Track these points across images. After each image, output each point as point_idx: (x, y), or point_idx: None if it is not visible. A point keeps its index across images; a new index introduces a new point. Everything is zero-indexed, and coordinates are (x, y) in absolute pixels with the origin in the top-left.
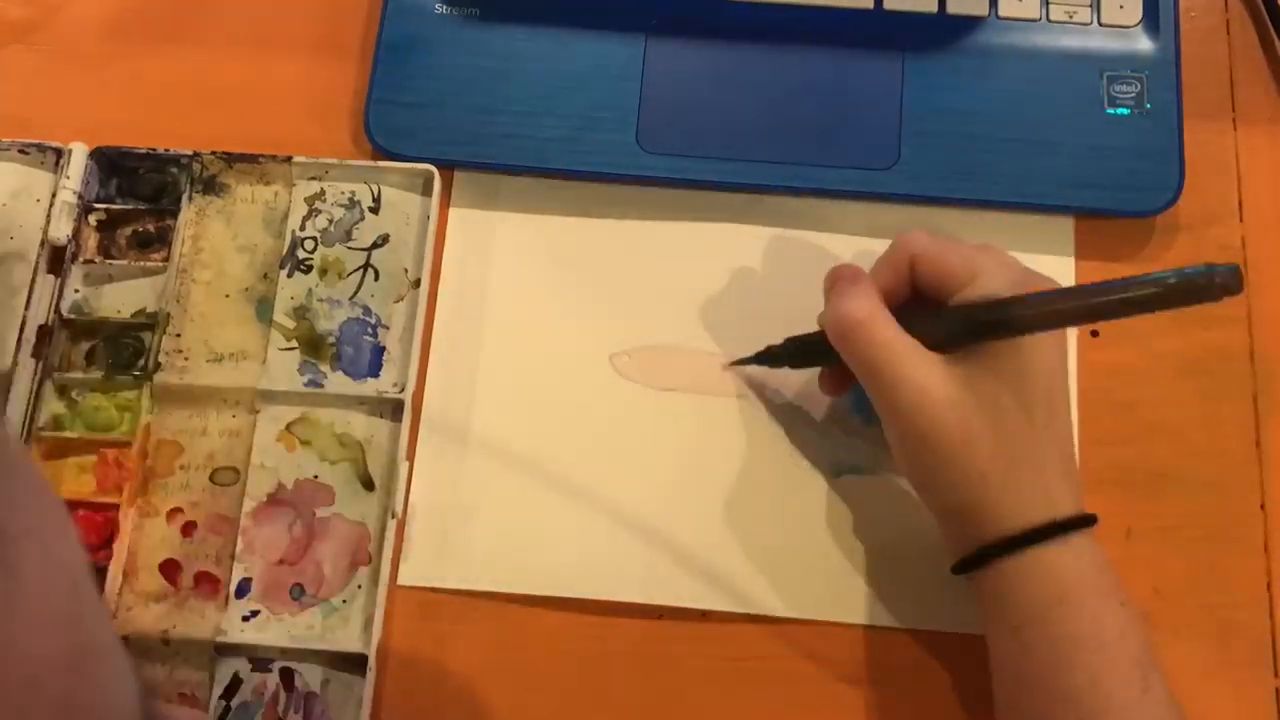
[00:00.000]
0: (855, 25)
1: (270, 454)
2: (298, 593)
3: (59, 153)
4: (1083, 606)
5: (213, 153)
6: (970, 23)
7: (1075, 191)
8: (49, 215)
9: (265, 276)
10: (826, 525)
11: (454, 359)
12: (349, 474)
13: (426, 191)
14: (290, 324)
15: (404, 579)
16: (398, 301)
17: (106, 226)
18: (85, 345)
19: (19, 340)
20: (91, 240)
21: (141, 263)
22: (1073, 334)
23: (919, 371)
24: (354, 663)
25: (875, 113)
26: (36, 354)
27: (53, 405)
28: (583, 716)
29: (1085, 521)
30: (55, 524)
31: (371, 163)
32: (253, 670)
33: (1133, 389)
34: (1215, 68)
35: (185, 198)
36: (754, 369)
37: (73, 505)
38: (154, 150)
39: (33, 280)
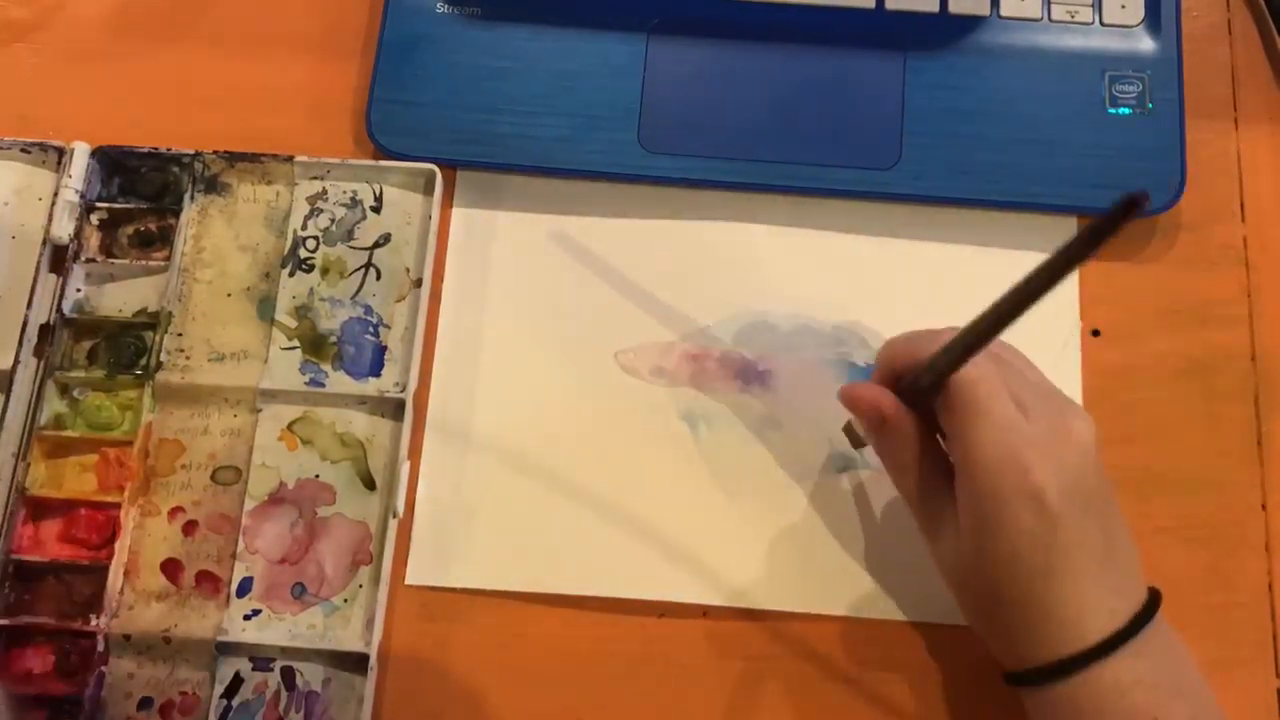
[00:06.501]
0: (857, 25)
1: (272, 453)
2: (299, 592)
3: (61, 152)
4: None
5: (214, 152)
6: (972, 22)
7: (1077, 191)
8: (51, 214)
9: (267, 276)
10: (828, 521)
11: (457, 358)
12: (350, 473)
13: (428, 191)
14: (292, 323)
15: (410, 578)
16: (399, 301)
17: (108, 225)
18: (87, 344)
19: (21, 339)
20: (93, 239)
21: (143, 262)
22: (1074, 334)
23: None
24: (355, 662)
25: (877, 112)
26: (38, 353)
27: (54, 404)
28: (584, 714)
29: (1125, 635)
30: None
31: (373, 162)
32: (254, 669)
33: (1133, 389)
34: (1217, 67)
35: (187, 197)
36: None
37: (74, 504)
38: (156, 149)
39: (35, 279)
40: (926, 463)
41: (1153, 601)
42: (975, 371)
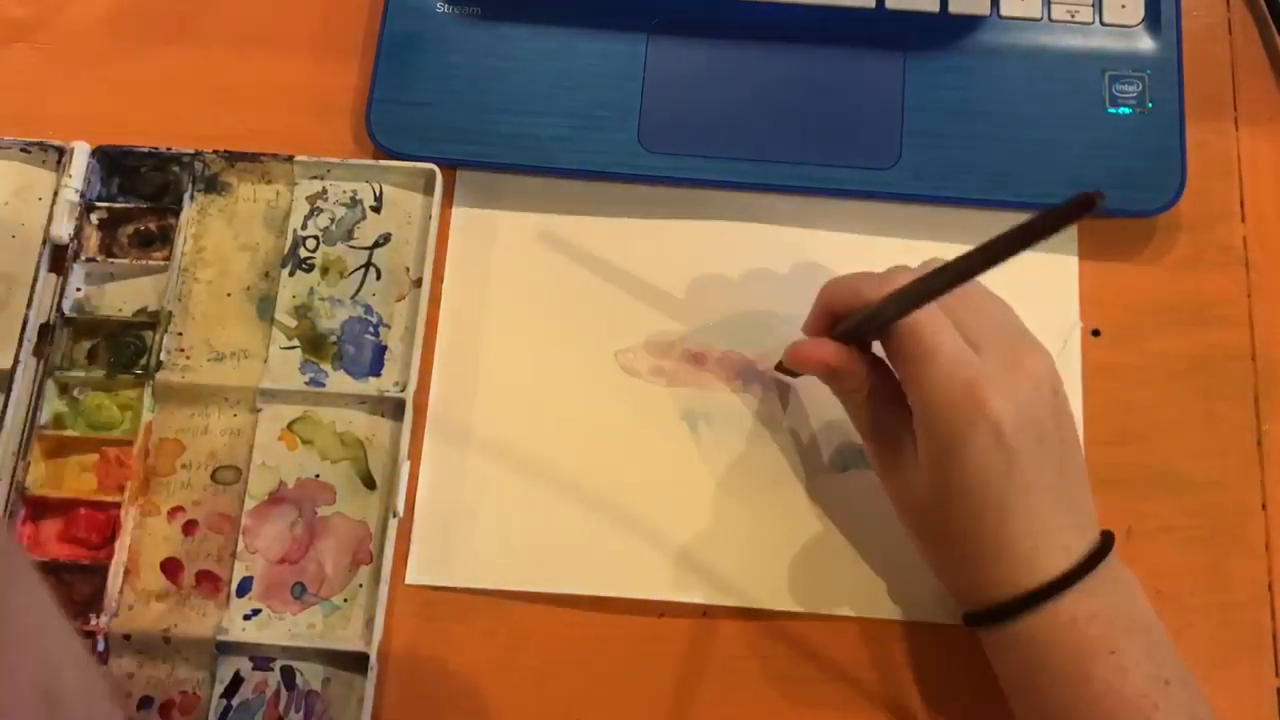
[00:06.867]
0: (857, 24)
1: (271, 453)
2: (299, 591)
3: (61, 151)
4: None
5: (215, 151)
6: (972, 22)
7: (1077, 191)
8: (51, 214)
9: (267, 275)
10: (829, 521)
11: (457, 358)
12: (350, 473)
13: (428, 190)
14: (292, 323)
15: (410, 578)
16: (399, 300)
17: (108, 225)
18: (87, 344)
19: (21, 338)
20: (93, 239)
21: (143, 261)
22: (1074, 334)
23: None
24: (355, 661)
25: (877, 112)
26: (38, 352)
27: (54, 404)
28: (584, 714)
29: (1080, 572)
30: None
31: (373, 161)
32: (254, 669)
33: (1133, 389)
34: (1217, 67)
35: (187, 196)
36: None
37: (74, 504)
38: (156, 149)
39: (35, 279)
40: (879, 399)
41: (1107, 540)
42: (919, 313)
